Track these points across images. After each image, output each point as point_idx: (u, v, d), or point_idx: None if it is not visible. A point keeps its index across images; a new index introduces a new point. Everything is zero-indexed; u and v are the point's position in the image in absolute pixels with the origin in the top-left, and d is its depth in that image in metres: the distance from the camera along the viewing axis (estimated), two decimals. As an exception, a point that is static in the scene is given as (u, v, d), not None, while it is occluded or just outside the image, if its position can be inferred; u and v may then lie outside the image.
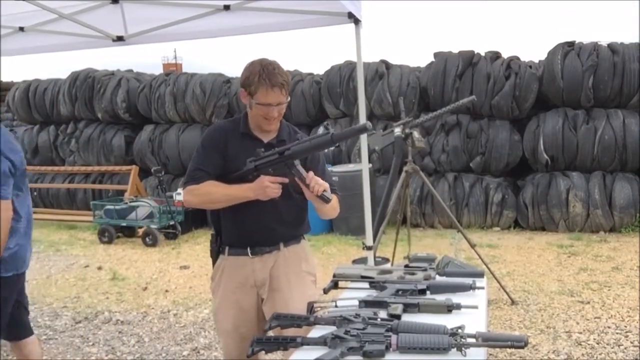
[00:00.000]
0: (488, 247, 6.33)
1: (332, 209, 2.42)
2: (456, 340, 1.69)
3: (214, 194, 2.31)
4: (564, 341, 3.86)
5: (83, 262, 6.44)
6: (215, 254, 2.51)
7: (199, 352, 3.91)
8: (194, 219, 7.71)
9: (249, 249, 2.40)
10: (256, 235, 2.40)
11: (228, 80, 8.69)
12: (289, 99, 2.28)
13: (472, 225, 7.29)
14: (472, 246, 4.68)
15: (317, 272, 2.59)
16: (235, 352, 2.45)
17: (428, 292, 2.21)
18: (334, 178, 8.76)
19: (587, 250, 6.18)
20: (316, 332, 1.92)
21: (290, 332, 2.01)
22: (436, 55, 7.77)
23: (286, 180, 2.23)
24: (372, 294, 2.20)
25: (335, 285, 2.38)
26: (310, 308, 2.15)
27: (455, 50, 7.64)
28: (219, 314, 2.49)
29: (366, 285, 2.31)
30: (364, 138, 3.46)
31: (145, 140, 8.72)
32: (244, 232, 2.41)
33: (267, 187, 2.21)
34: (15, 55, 4.02)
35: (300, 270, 2.44)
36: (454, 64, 7.44)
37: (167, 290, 5.31)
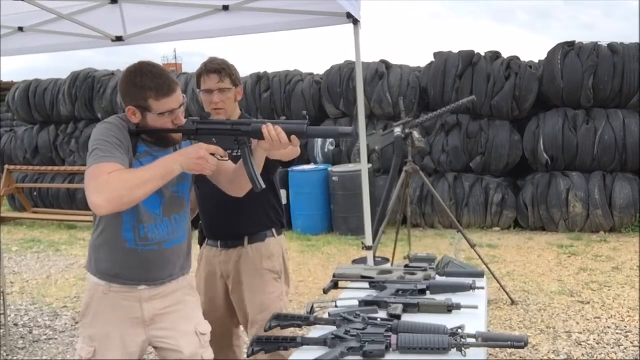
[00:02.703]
0: (488, 247, 6.33)
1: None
2: (456, 341, 1.69)
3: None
4: (564, 341, 3.86)
5: (83, 262, 6.44)
6: (200, 243, 2.69)
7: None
8: (195, 219, 7.69)
9: (219, 242, 2.57)
10: (220, 229, 2.56)
11: (228, 81, 8.67)
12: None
13: (472, 225, 7.28)
14: (472, 246, 4.67)
15: (318, 272, 2.61)
16: None
17: (428, 292, 2.21)
18: (334, 178, 8.73)
19: (587, 250, 6.18)
20: (316, 332, 1.92)
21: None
22: (436, 55, 7.77)
23: (227, 156, 1.91)
24: (372, 294, 2.21)
25: (335, 285, 2.39)
26: (310, 308, 2.15)
27: (455, 50, 7.64)
28: None
29: (366, 285, 2.31)
30: (363, 138, 3.46)
31: (145, 141, 8.71)
32: (211, 226, 2.60)
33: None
34: (14, 55, 4.01)
35: (262, 268, 2.53)
36: (454, 64, 7.43)
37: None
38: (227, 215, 2.48)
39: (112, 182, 1.73)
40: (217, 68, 2.43)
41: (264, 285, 2.52)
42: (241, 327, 2.74)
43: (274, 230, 2.60)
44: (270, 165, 2.41)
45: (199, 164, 1.81)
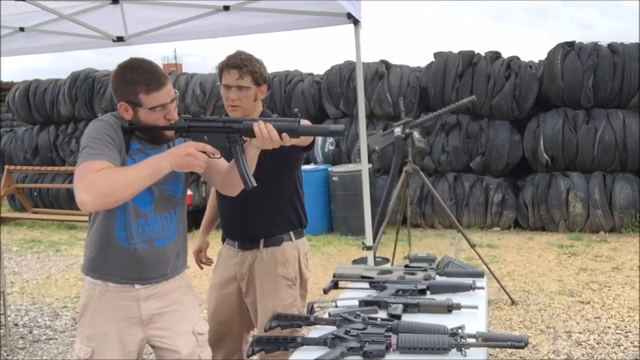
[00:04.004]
0: (488, 247, 6.33)
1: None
2: (456, 341, 1.69)
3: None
4: (564, 341, 3.86)
5: (83, 262, 6.43)
6: (223, 240, 2.65)
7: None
8: (195, 219, 7.68)
9: (236, 243, 2.52)
10: (237, 229, 2.51)
11: (228, 81, 8.68)
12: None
13: (472, 225, 7.29)
14: (472, 246, 4.67)
15: (318, 272, 2.60)
16: (211, 334, 2.48)
17: (428, 292, 2.22)
18: (334, 178, 8.70)
19: (587, 250, 6.18)
20: (316, 332, 1.92)
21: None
22: (436, 55, 7.77)
23: (217, 153, 1.90)
24: (372, 294, 2.21)
25: (335, 285, 2.39)
26: (310, 308, 2.15)
27: (455, 50, 7.65)
28: (208, 295, 2.67)
29: (366, 285, 2.31)
30: (363, 138, 3.46)
31: (145, 141, 8.72)
32: (229, 226, 2.56)
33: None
34: (15, 55, 4.01)
35: (276, 274, 2.47)
36: (454, 64, 7.43)
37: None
38: (244, 216, 2.44)
39: (99, 180, 1.73)
40: (239, 64, 2.34)
41: (277, 291, 2.46)
42: (251, 331, 2.69)
43: (291, 233, 2.52)
44: (292, 156, 2.40)
45: (188, 161, 1.80)
